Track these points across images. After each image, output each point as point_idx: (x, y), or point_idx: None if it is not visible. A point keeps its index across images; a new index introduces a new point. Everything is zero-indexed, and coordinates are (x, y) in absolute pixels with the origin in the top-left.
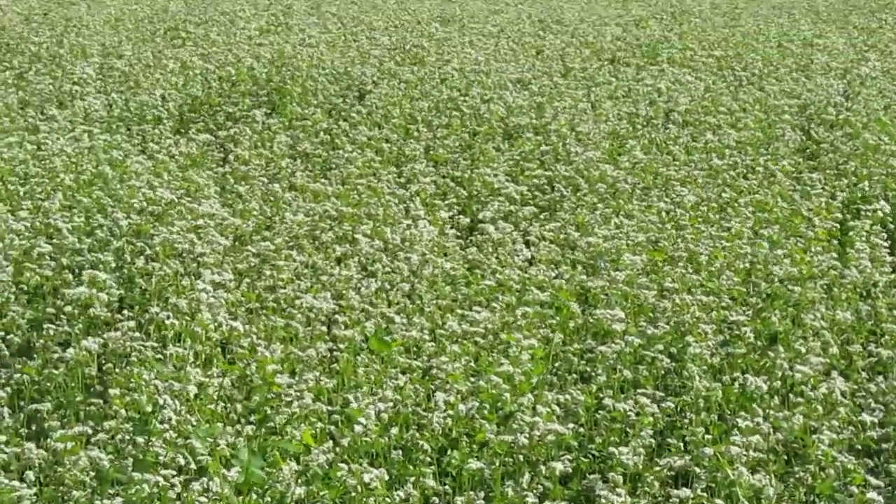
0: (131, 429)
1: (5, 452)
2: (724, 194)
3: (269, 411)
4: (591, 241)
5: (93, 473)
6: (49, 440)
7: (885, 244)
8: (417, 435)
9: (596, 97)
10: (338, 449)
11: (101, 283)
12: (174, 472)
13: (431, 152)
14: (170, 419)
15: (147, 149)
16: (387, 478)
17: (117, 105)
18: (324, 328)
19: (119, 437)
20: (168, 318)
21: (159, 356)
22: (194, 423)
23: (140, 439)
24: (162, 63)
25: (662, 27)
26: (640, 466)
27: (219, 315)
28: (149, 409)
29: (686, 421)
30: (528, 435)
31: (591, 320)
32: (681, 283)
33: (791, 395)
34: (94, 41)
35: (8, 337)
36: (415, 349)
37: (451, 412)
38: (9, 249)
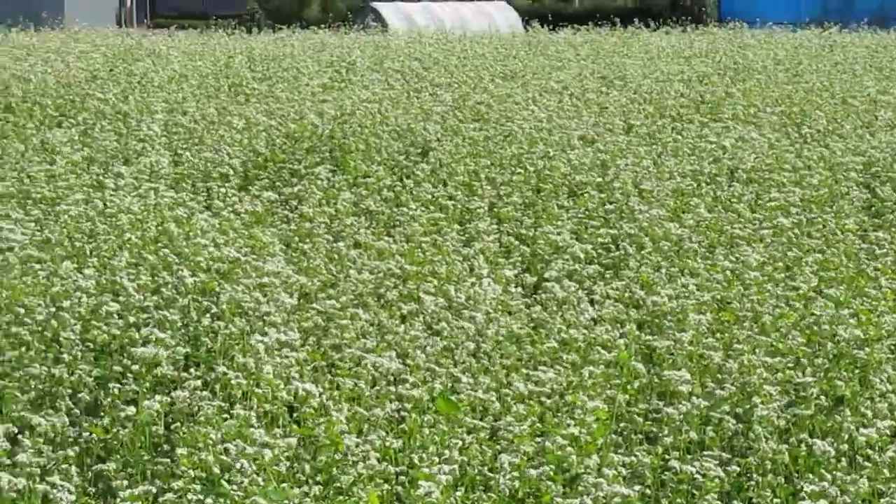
0: (199, 489)
1: None
2: (789, 253)
3: (335, 472)
4: (656, 300)
5: None
6: (116, 500)
7: None
8: (484, 497)
9: (659, 154)
10: None
11: (168, 342)
12: None
13: (495, 210)
14: (241, 481)
15: (212, 206)
16: None
17: (182, 162)
18: (390, 388)
19: (188, 496)
20: (236, 377)
21: (226, 416)
22: (262, 484)
23: (209, 500)
24: (226, 119)
25: (725, 83)
26: None
27: (286, 374)
28: (216, 469)
29: (753, 483)
30: (594, 497)
31: (657, 380)
32: (746, 344)
33: (858, 458)
34: (159, 97)
35: (76, 395)
36: (481, 409)
37: (516, 473)
38: (76, 307)
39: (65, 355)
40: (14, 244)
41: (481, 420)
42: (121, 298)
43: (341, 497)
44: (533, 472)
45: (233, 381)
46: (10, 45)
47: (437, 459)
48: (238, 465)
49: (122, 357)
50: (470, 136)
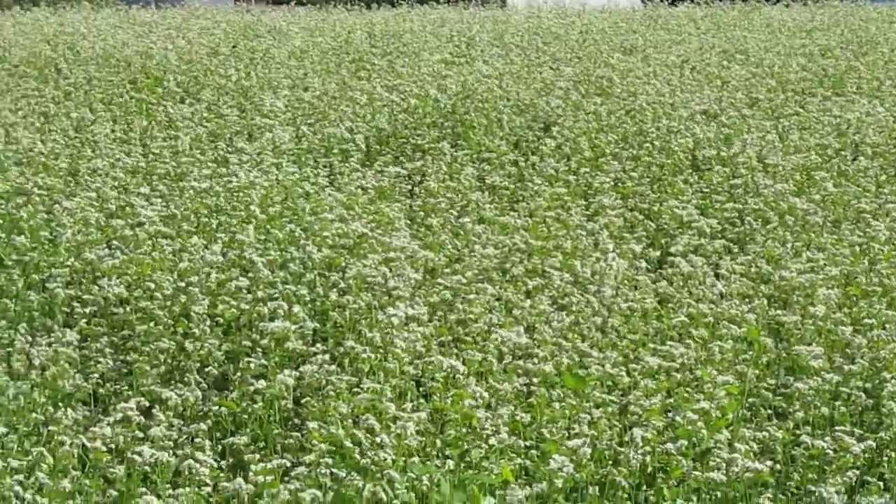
0: (331, 462)
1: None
2: None
3: (465, 446)
4: (784, 275)
5: None
6: (248, 473)
7: None
8: (615, 471)
9: (783, 128)
10: (534, 485)
11: (297, 316)
12: None
13: (619, 184)
14: (375, 455)
15: (336, 181)
16: None
17: (306, 137)
18: (518, 362)
19: (319, 470)
20: (364, 351)
21: (356, 389)
22: (394, 458)
23: (341, 473)
24: (348, 95)
25: (848, 57)
26: None
27: (413, 349)
28: (347, 443)
29: (885, 459)
30: (725, 472)
31: (785, 355)
32: (876, 319)
33: None
34: (281, 74)
35: (205, 370)
36: (609, 384)
37: (648, 448)
38: (204, 282)
39: (194, 330)
40: (144, 220)
41: (608, 395)
42: (249, 274)
43: (473, 471)
44: (670, 445)
45: (362, 356)
46: (131, 21)
47: (566, 434)
48: (379, 439)
49: (250, 332)
50: (592, 111)
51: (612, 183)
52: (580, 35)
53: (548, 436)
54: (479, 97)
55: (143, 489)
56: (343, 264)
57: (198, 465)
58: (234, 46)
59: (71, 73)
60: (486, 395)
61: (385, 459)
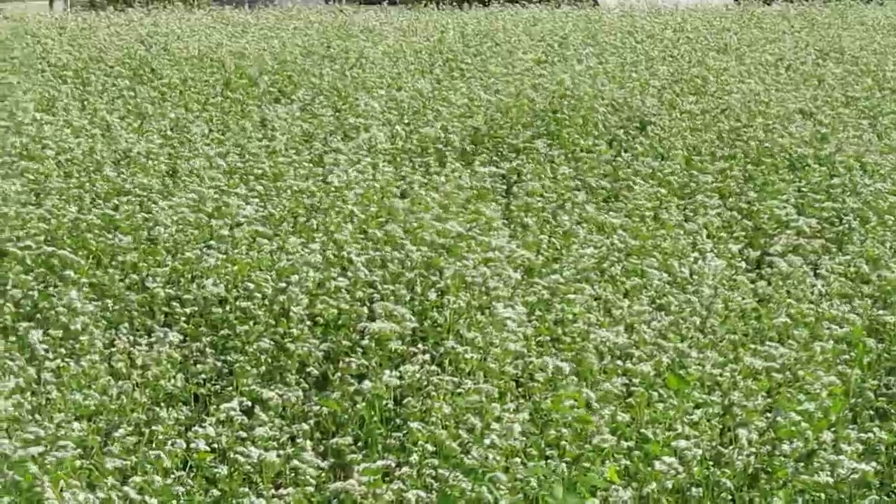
0: (437, 463)
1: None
2: None
3: (566, 446)
4: (884, 275)
5: None
6: (352, 473)
7: None
8: (718, 472)
9: (883, 127)
10: (636, 485)
11: (398, 316)
12: None
13: (716, 184)
14: (481, 454)
15: (432, 181)
16: None
17: (401, 137)
18: (617, 362)
19: (424, 470)
20: (466, 351)
21: (459, 390)
22: (497, 458)
23: (445, 472)
24: (442, 94)
25: None
26: None
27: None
28: (449, 443)
29: None
30: (830, 473)
31: (887, 356)
32: None
33: None
34: (375, 74)
35: (305, 369)
36: (709, 384)
37: (753, 449)
38: (304, 281)
39: (293, 330)
40: (243, 220)
41: (709, 395)
42: (348, 273)
43: (578, 472)
44: (786, 447)
45: (464, 356)
46: (224, 22)
47: (668, 435)
48: (488, 441)
49: (350, 331)
50: (687, 110)
51: (710, 182)
52: (674, 34)
53: (650, 436)
54: (573, 96)
55: (245, 489)
56: (441, 264)
57: (305, 466)
58: (328, 47)
59: (166, 73)
60: (592, 395)
61: (490, 460)
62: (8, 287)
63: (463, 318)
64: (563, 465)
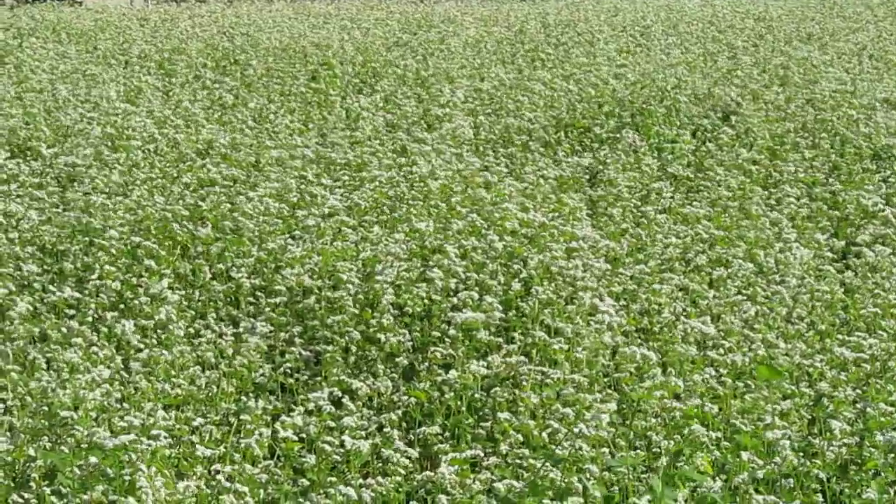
0: (526, 453)
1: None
2: None
3: (655, 437)
4: None
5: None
6: (438, 463)
7: None
8: (808, 463)
9: None
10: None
11: (487, 306)
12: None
13: (800, 174)
14: (570, 445)
15: (515, 171)
16: None
17: (484, 128)
18: (707, 353)
19: (512, 460)
20: (557, 342)
21: (548, 381)
22: (586, 449)
23: (536, 463)
24: (524, 85)
25: None
26: None
27: (597, 340)
28: (537, 433)
29: None
30: None
31: None
32: None
33: None
34: (456, 63)
35: (393, 360)
36: (798, 375)
37: (843, 440)
38: (388, 272)
39: (382, 320)
40: (329, 209)
41: (798, 386)
42: (431, 263)
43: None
44: (880, 437)
45: (552, 346)
46: (305, 13)
47: (757, 425)
48: (577, 429)
49: (437, 321)
50: (771, 100)
51: (793, 172)
52: (755, 23)
53: (741, 427)
54: (656, 86)
55: (334, 479)
56: (525, 254)
57: (397, 455)
58: (412, 35)
59: (250, 64)
60: (681, 384)
61: (580, 450)
62: (94, 276)
63: (549, 309)
64: (662, 456)
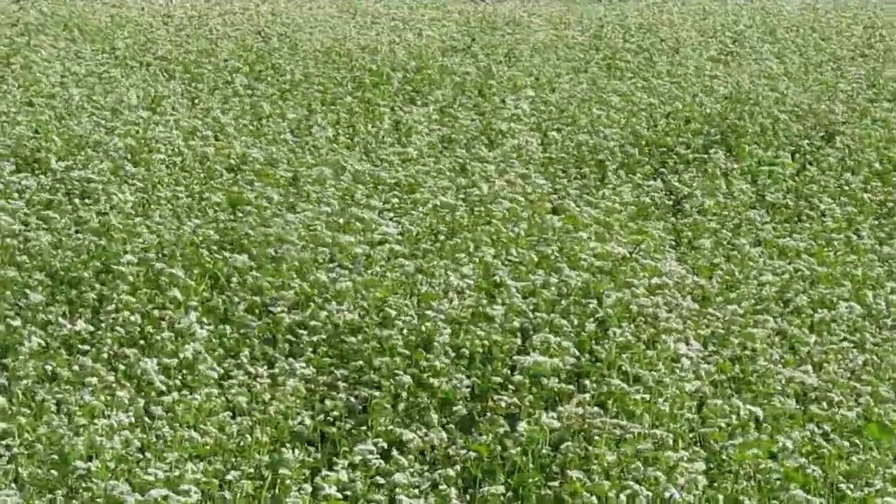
0: None
1: None
2: None
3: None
4: None
5: None
6: None
7: None
8: None
9: None
10: None
11: (556, 348)
12: None
13: None
14: None
15: (589, 195)
16: None
17: (553, 145)
18: (805, 407)
19: None
20: (637, 391)
21: (626, 435)
22: None
23: None
24: (600, 97)
25: None
26: None
27: (684, 389)
28: (612, 495)
29: None
30: None
31: None
32: None
33: None
34: (523, 72)
35: (450, 408)
36: None
37: None
38: (449, 308)
39: (436, 363)
40: (382, 236)
41: None
42: (496, 299)
43: None
44: None
45: (631, 396)
46: (351, 11)
47: (869, 492)
48: (668, 495)
49: (500, 366)
50: (883, 118)
51: None
52: (864, 30)
53: (846, 492)
54: (751, 100)
55: None
56: (601, 291)
57: None
58: (473, 39)
59: (287, 69)
60: (779, 442)
61: None
62: (112, 308)
63: (628, 353)
64: None
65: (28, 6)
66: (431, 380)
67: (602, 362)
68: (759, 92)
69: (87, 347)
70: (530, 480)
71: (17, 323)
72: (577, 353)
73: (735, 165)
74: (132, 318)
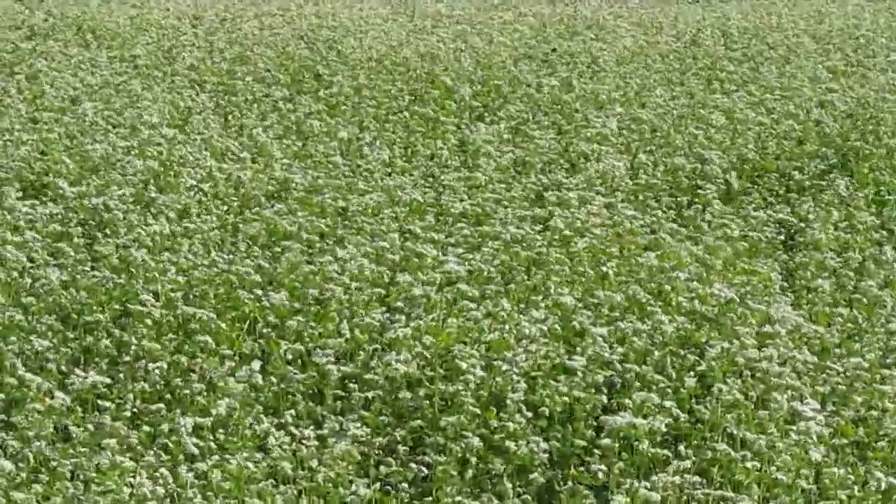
0: None
1: None
2: None
3: None
4: None
5: None
6: None
7: None
8: None
9: None
10: None
11: (650, 407)
12: None
13: None
14: None
15: (687, 228)
16: None
17: (645, 169)
18: None
19: None
20: (745, 458)
21: None
22: None
23: None
24: (698, 113)
25: None
26: None
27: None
28: None
29: None
30: None
31: None
32: None
33: None
34: (609, 84)
35: (526, 475)
36: None
37: None
38: (523, 359)
39: (509, 423)
40: (449, 276)
41: None
42: (578, 349)
43: None
44: None
45: (740, 463)
46: (408, 13)
47: None
48: None
49: (584, 427)
50: None
51: None
52: None
53: None
54: (875, 119)
55: None
56: (702, 340)
57: None
58: (553, 50)
59: (335, 80)
60: None
61: None
62: (133, 357)
63: (734, 414)
64: None
65: (34, 6)
66: (504, 443)
67: (704, 424)
68: (885, 108)
69: (105, 403)
70: None
71: (25, 374)
72: (675, 413)
73: (857, 193)
74: (157, 369)
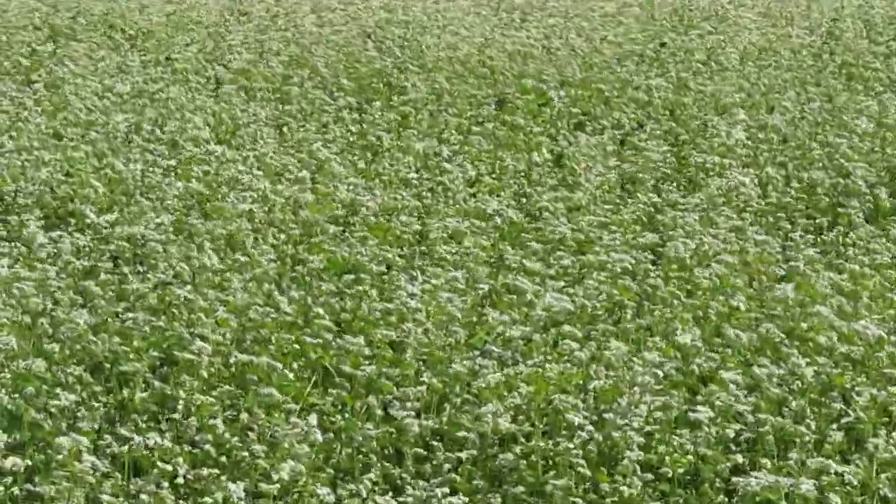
0: None
1: None
2: None
3: None
4: None
5: None
6: None
7: None
8: None
9: None
10: None
11: (791, 466)
12: None
13: None
14: None
15: (828, 255)
16: None
17: (776, 185)
18: None
19: None
20: None
21: None
22: None
23: None
24: (839, 119)
25: None
26: None
27: None
28: None
29: None
30: None
31: None
32: None
33: None
34: (732, 86)
35: None
36: None
37: None
38: (633, 411)
39: (623, 487)
40: (549, 313)
41: None
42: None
43: None
44: None
45: None
46: (493, 6)
47: None
48: None
49: (711, 490)
50: None
51: None
52: None
53: None
54: None
55: None
56: (849, 386)
57: None
58: (662, 44)
59: (409, 85)
60: None
61: None
62: (180, 414)
63: (890, 473)
64: None
65: (55, 1)
66: None
67: (855, 487)
68: None
69: (146, 468)
70: None
71: (50, 433)
72: (818, 473)
73: None
74: (210, 427)
